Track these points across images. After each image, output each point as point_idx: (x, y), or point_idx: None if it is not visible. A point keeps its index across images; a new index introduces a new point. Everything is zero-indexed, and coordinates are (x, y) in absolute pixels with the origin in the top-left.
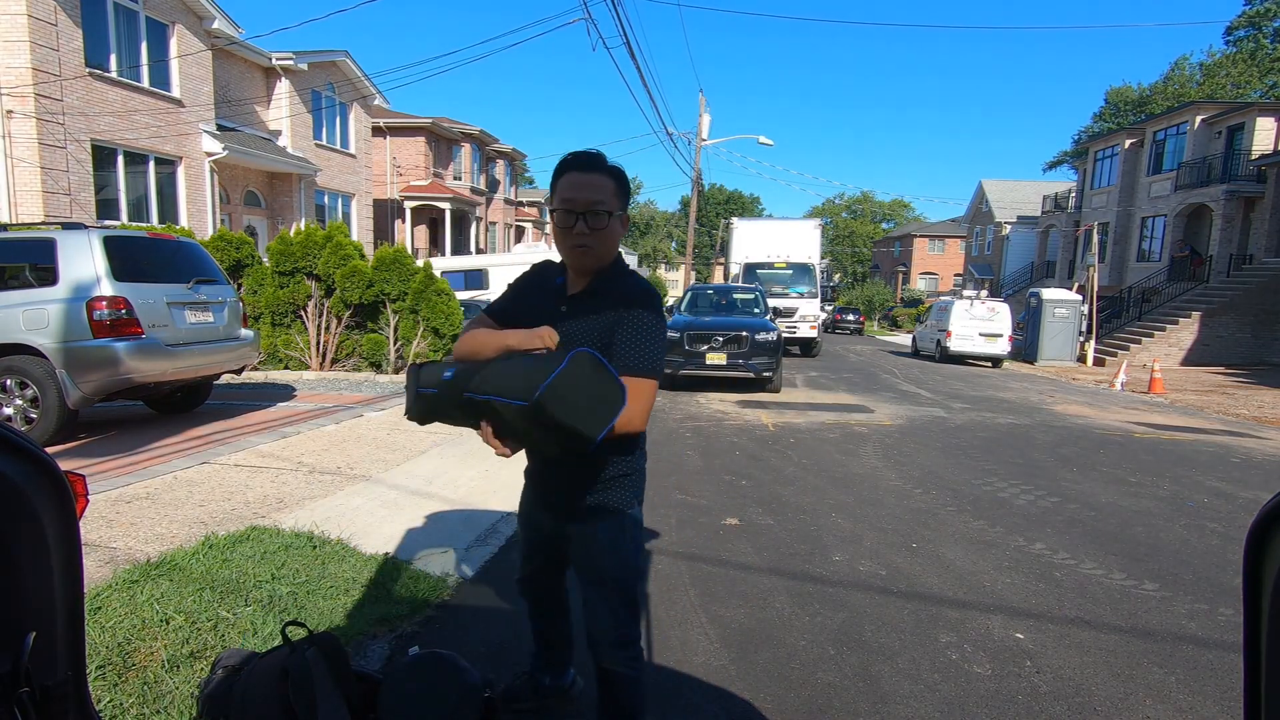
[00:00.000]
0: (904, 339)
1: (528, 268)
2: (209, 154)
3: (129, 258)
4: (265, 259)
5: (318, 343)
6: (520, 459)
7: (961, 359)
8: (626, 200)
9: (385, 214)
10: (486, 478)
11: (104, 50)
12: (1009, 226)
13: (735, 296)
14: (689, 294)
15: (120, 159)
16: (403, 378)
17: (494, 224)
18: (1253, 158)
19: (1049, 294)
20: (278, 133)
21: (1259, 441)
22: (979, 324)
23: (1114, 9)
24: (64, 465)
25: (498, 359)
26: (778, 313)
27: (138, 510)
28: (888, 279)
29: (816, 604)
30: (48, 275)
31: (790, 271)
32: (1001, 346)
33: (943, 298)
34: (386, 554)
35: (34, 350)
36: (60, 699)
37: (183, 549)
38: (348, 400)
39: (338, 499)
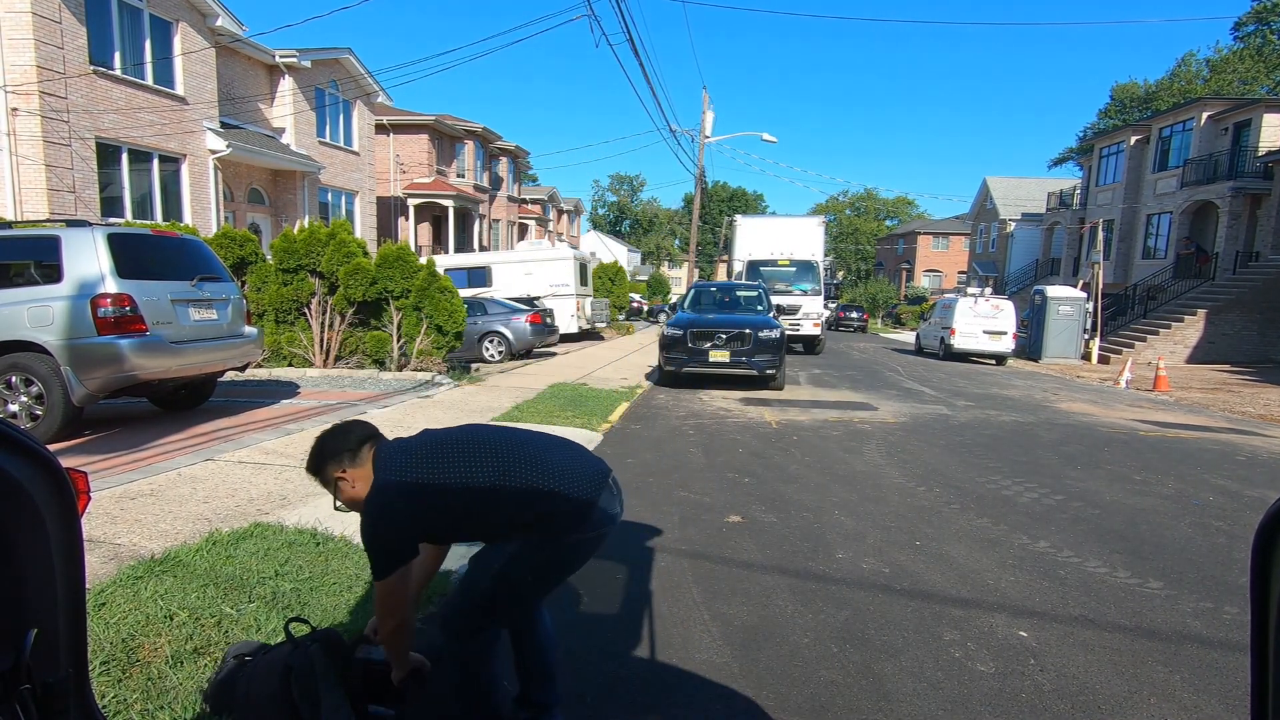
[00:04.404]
0: (908, 337)
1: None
2: (213, 151)
3: (133, 255)
4: (269, 256)
5: (321, 340)
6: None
7: (965, 356)
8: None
9: (388, 211)
10: None
11: (108, 48)
12: (1013, 224)
13: (738, 294)
14: (692, 291)
15: (125, 156)
16: (406, 375)
17: (497, 221)
18: (1259, 154)
19: (1053, 291)
20: (281, 130)
21: (1265, 439)
22: (983, 321)
23: (1120, 5)
24: (68, 462)
25: None
26: (781, 310)
27: (142, 506)
28: (891, 276)
29: (819, 602)
30: (52, 273)
31: (794, 269)
32: (1006, 344)
33: (947, 295)
34: None
35: (39, 347)
36: (62, 695)
37: (186, 545)
38: (351, 397)
39: None
